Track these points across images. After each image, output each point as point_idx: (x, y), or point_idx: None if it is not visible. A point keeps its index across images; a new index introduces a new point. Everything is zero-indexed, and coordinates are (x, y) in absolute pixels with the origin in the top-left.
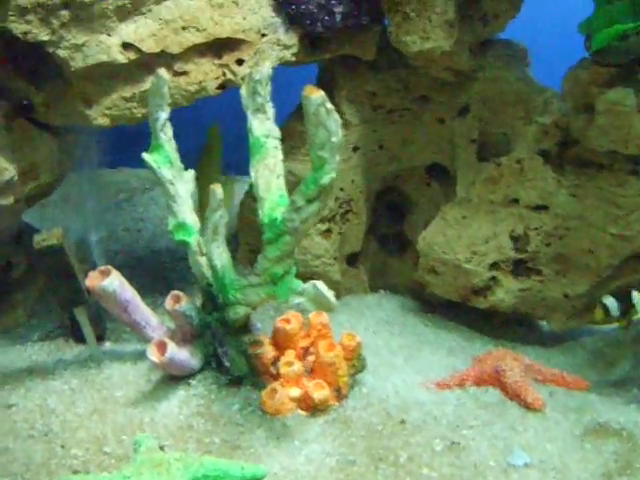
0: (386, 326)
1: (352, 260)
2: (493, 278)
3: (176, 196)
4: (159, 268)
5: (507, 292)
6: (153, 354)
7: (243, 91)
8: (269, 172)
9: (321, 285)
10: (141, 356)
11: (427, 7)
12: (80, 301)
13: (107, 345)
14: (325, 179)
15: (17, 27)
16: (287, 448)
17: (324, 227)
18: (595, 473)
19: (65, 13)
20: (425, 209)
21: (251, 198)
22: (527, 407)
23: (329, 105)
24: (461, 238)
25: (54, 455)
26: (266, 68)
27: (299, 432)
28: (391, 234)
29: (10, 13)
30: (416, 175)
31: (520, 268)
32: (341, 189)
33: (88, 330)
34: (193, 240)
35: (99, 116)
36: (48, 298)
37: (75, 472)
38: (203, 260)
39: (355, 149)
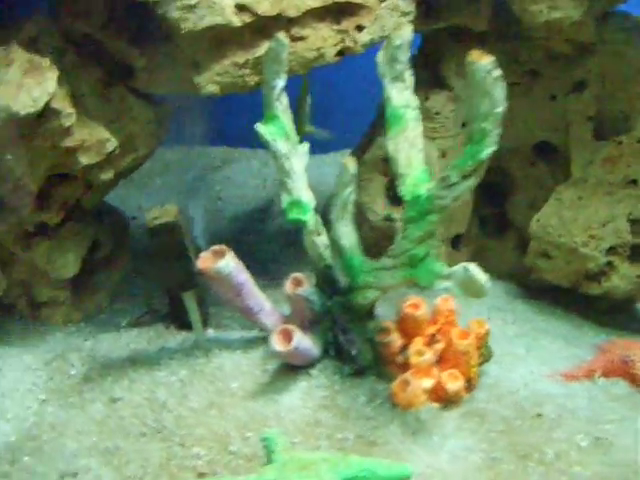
0: (498, 313)
1: (455, 242)
2: (609, 263)
3: (291, 172)
4: (248, 250)
5: (623, 278)
6: (277, 343)
7: (380, 58)
8: (409, 145)
9: (473, 268)
10: (251, 344)
11: None
12: (191, 285)
13: (210, 332)
14: (485, 153)
15: None
16: (427, 444)
17: None
18: None
19: None
20: (529, 190)
21: None
22: None
23: (496, 72)
24: (577, 220)
25: (173, 455)
26: (407, 33)
27: (435, 426)
28: (491, 215)
29: None
30: (521, 154)
31: (637, 253)
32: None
33: (196, 316)
34: (309, 219)
35: (209, 83)
36: (131, 281)
37: (201, 475)
38: (320, 240)
39: (464, 125)
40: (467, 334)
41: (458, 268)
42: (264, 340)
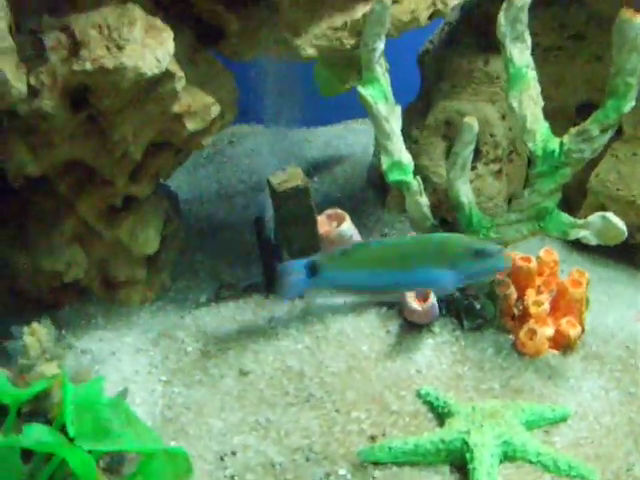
0: (565, 266)
1: (510, 201)
2: None
3: (391, 134)
4: None
5: None
6: (414, 302)
7: (501, 18)
8: (534, 104)
9: (611, 215)
10: (359, 307)
11: None
12: (317, 248)
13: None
14: (628, 106)
15: None
16: (567, 387)
17: (496, 167)
18: None
19: None
20: None
21: None
22: None
23: None
24: (634, 175)
25: (333, 422)
26: None
27: (567, 370)
28: None
29: None
30: (566, 114)
31: None
32: (509, 129)
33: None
34: (411, 180)
35: (308, 46)
36: (188, 258)
37: (372, 438)
38: (424, 201)
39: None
40: (579, 283)
41: (595, 217)
42: (369, 303)
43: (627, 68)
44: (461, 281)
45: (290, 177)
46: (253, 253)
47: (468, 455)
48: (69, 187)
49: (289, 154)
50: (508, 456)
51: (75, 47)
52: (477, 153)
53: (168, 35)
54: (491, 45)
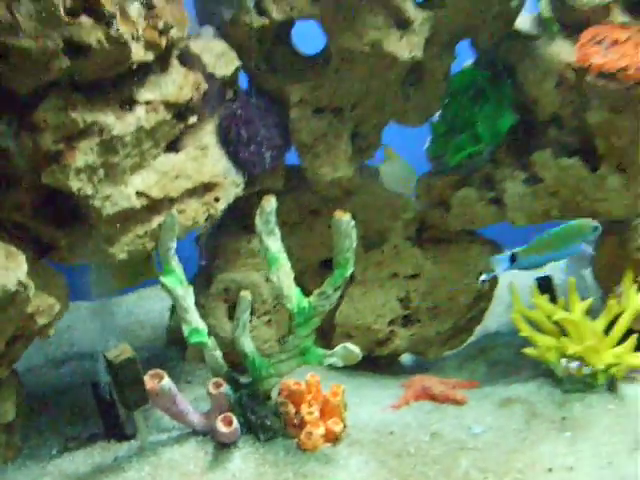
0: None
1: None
2: (391, 331)
3: (188, 308)
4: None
5: (401, 339)
6: (223, 427)
7: (257, 220)
8: (287, 277)
9: (349, 344)
10: (180, 439)
11: (333, 147)
12: (145, 401)
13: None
14: (348, 273)
15: (74, 184)
16: (339, 466)
17: (266, 318)
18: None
19: (101, 171)
20: None
21: None
22: (457, 403)
23: (352, 222)
24: (366, 308)
25: None
26: (272, 202)
27: (337, 455)
28: None
29: (70, 174)
30: (313, 268)
31: (407, 320)
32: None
33: (143, 426)
34: (207, 339)
35: (120, 252)
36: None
37: None
38: (218, 354)
39: None
40: (337, 393)
41: (338, 348)
42: (193, 433)
43: (344, 248)
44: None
45: (121, 351)
46: (88, 410)
47: None
48: None
49: (103, 325)
50: None
51: None
52: (251, 309)
53: (22, 258)
54: (251, 228)
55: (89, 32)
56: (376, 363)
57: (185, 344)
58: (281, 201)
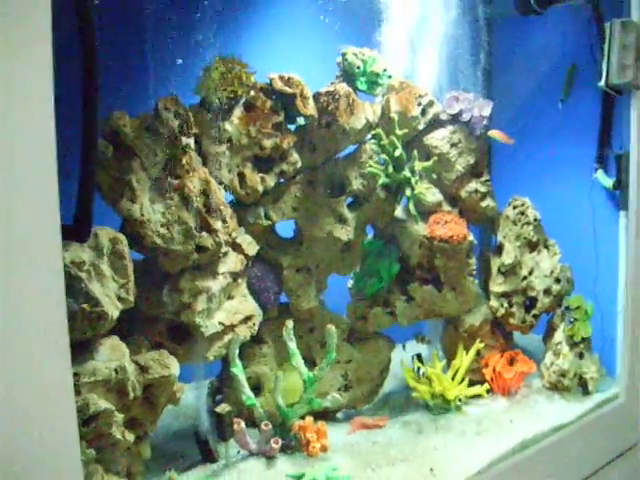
0: None
1: None
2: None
3: (245, 386)
4: None
5: (343, 398)
6: (274, 445)
7: (284, 333)
8: (299, 361)
9: (334, 394)
10: (246, 457)
11: (306, 290)
12: (232, 436)
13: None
14: (334, 356)
15: (196, 319)
16: (331, 461)
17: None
18: (410, 432)
19: (206, 312)
20: None
21: None
22: (380, 427)
23: (334, 330)
24: (324, 381)
25: None
26: (291, 323)
27: (328, 457)
28: None
29: (195, 315)
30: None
31: (346, 387)
32: None
33: (227, 452)
34: (256, 403)
35: (211, 356)
36: None
37: None
38: (262, 411)
39: None
40: (323, 425)
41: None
42: (250, 454)
43: (332, 343)
44: None
45: (223, 408)
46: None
47: None
48: None
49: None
50: None
51: None
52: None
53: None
54: (260, 339)
55: (206, 240)
56: (326, 415)
57: None
58: (277, 325)
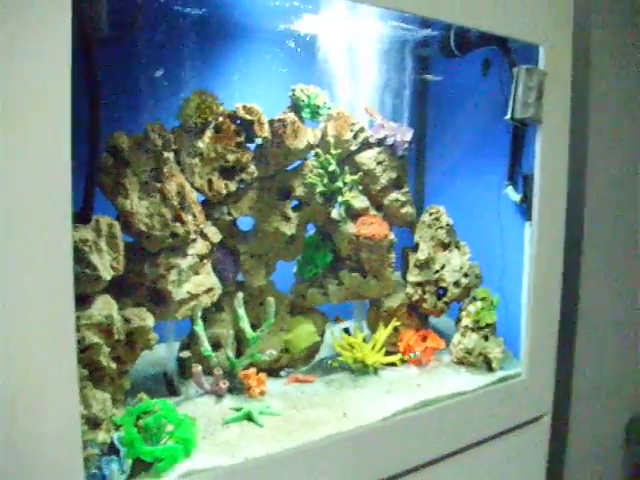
0: None
1: None
2: (280, 356)
3: (204, 341)
4: None
5: (284, 359)
6: (223, 386)
7: (235, 302)
8: (246, 324)
9: (272, 351)
10: (201, 395)
11: (258, 271)
12: (190, 376)
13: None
14: (271, 322)
15: (169, 287)
16: (267, 402)
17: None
18: (334, 389)
19: (177, 282)
20: None
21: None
22: (309, 382)
23: (273, 301)
24: (269, 344)
25: None
26: (241, 295)
27: (265, 399)
28: None
29: (169, 283)
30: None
31: (286, 350)
32: None
33: (185, 389)
34: (213, 355)
35: (180, 317)
36: None
37: None
38: (216, 361)
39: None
40: (262, 376)
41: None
42: (205, 393)
43: (270, 312)
44: None
45: (185, 354)
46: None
47: None
48: None
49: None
50: None
51: None
52: (224, 342)
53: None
54: (219, 308)
55: (179, 229)
56: (271, 372)
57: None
58: (233, 298)
